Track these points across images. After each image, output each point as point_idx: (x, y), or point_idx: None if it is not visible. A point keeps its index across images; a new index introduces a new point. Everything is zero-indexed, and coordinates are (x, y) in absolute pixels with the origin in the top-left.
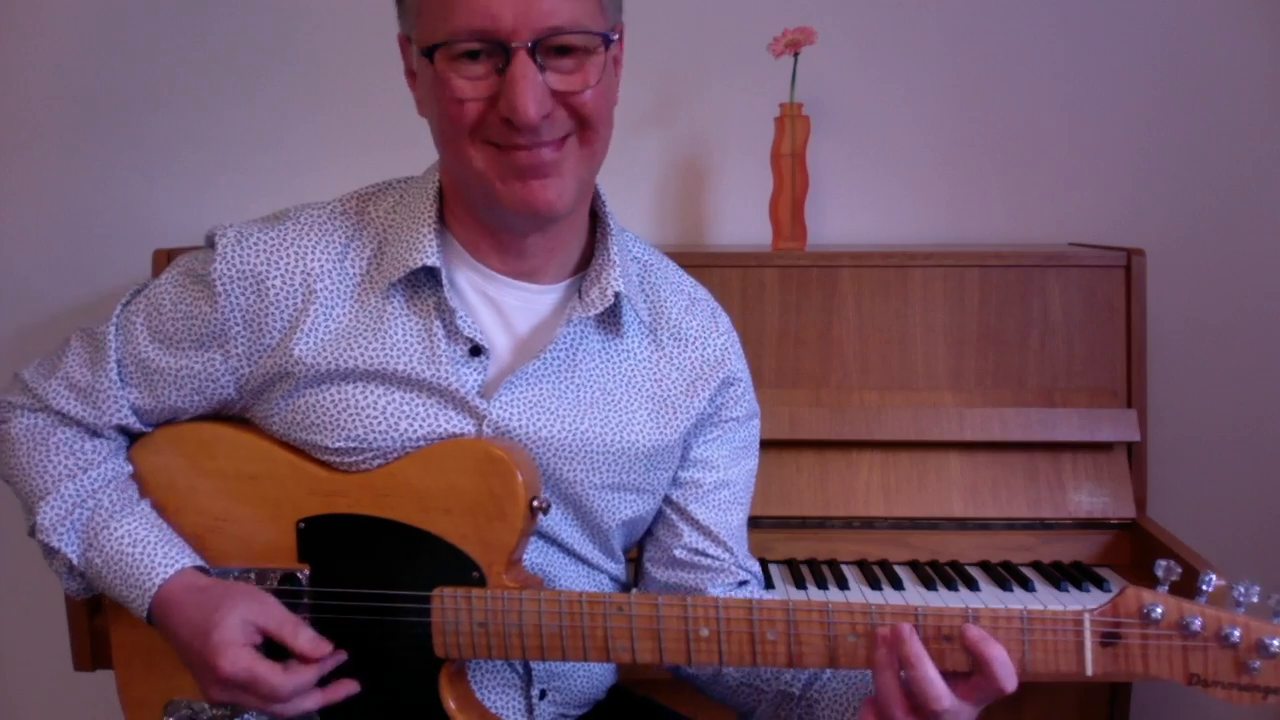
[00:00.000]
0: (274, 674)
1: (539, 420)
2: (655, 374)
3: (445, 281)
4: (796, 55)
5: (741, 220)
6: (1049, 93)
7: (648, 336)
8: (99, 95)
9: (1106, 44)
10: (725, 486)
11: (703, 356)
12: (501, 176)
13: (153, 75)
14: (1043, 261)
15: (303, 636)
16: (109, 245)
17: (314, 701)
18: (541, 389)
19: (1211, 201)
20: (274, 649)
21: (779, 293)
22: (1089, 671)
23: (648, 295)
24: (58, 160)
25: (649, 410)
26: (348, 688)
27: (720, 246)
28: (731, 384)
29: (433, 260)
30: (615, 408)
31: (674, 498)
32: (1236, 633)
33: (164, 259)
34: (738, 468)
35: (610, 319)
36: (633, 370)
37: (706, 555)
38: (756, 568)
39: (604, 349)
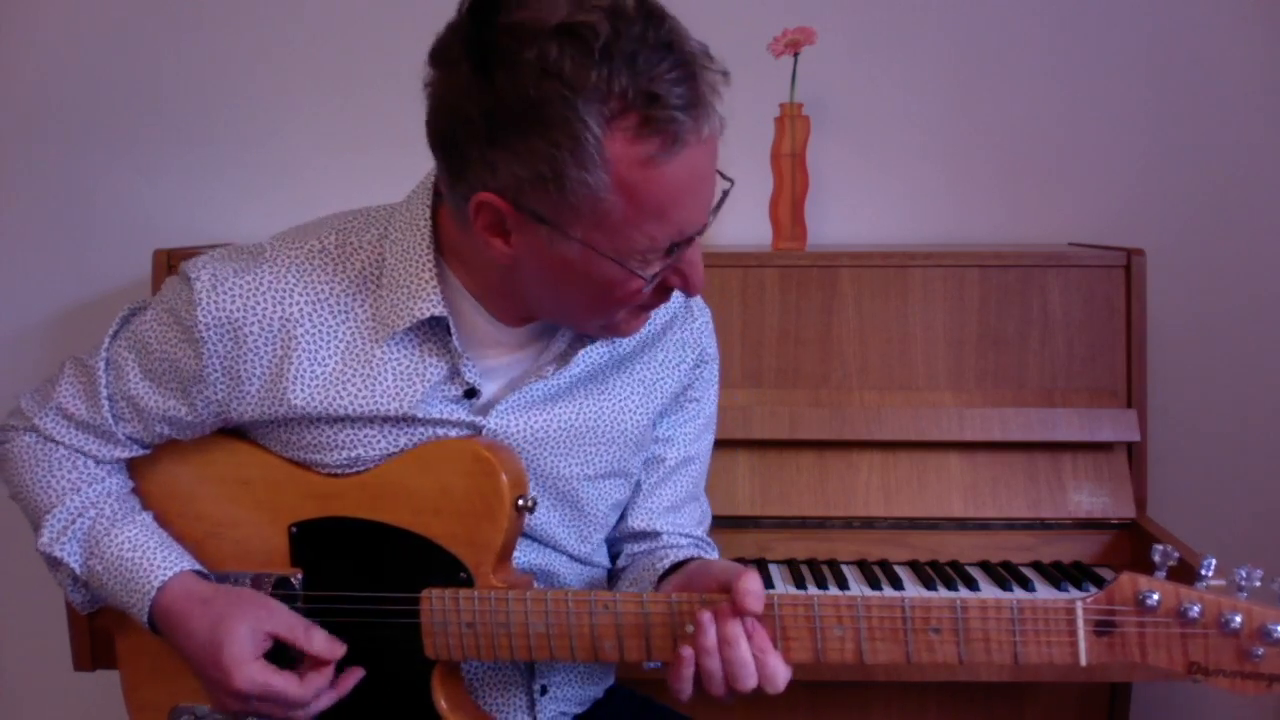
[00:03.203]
0: (291, 686)
1: (535, 421)
2: (639, 359)
3: (453, 330)
4: (796, 55)
5: (741, 220)
6: (1049, 92)
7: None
8: (99, 95)
9: (1106, 44)
10: (690, 463)
11: (680, 337)
12: (630, 321)
13: (153, 75)
14: (1043, 261)
15: (316, 640)
16: (109, 245)
17: (327, 700)
18: (536, 391)
19: (1211, 201)
20: (282, 650)
21: (779, 293)
22: (1083, 661)
23: None
24: (57, 160)
25: (639, 394)
26: (355, 675)
27: (720, 246)
28: (703, 363)
29: (440, 310)
30: (608, 397)
31: (640, 476)
32: (1238, 619)
33: (163, 259)
34: (699, 443)
35: None
36: (619, 361)
37: (646, 539)
38: (699, 534)
39: (592, 350)
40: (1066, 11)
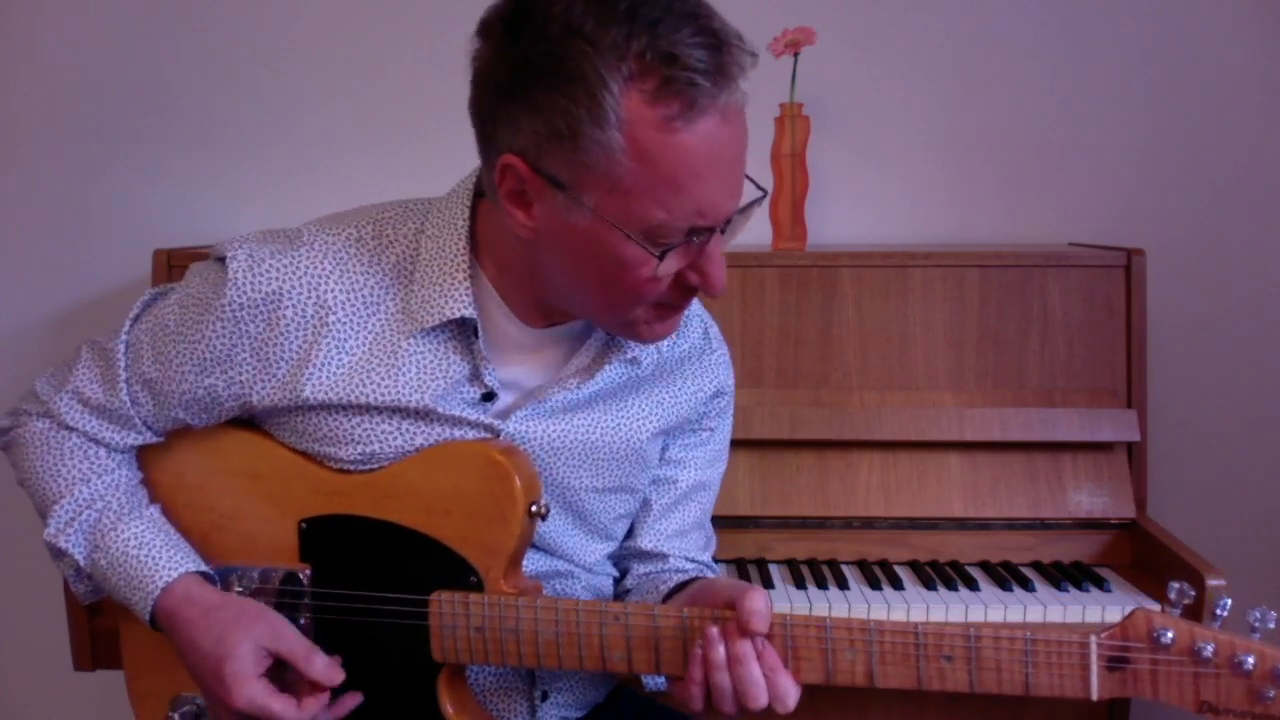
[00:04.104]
0: (288, 710)
1: (553, 430)
2: (657, 383)
3: (481, 334)
4: (796, 55)
5: None
6: (1049, 93)
7: (650, 349)
8: (99, 95)
9: (1106, 44)
10: (701, 489)
11: (699, 368)
12: (650, 323)
13: (153, 75)
14: (1043, 261)
15: (317, 664)
16: (109, 245)
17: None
18: (554, 403)
19: (1211, 201)
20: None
21: (779, 293)
22: (1094, 696)
23: None
24: (58, 160)
25: (655, 418)
26: (353, 700)
27: None
28: (720, 395)
29: (469, 312)
30: (625, 414)
31: (650, 496)
32: (1250, 660)
33: (163, 259)
34: (711, 470)
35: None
36: (638, 380)
37: (653, 560)
38: (704, 559)
39: (612, 369)
40: (1066, 12)
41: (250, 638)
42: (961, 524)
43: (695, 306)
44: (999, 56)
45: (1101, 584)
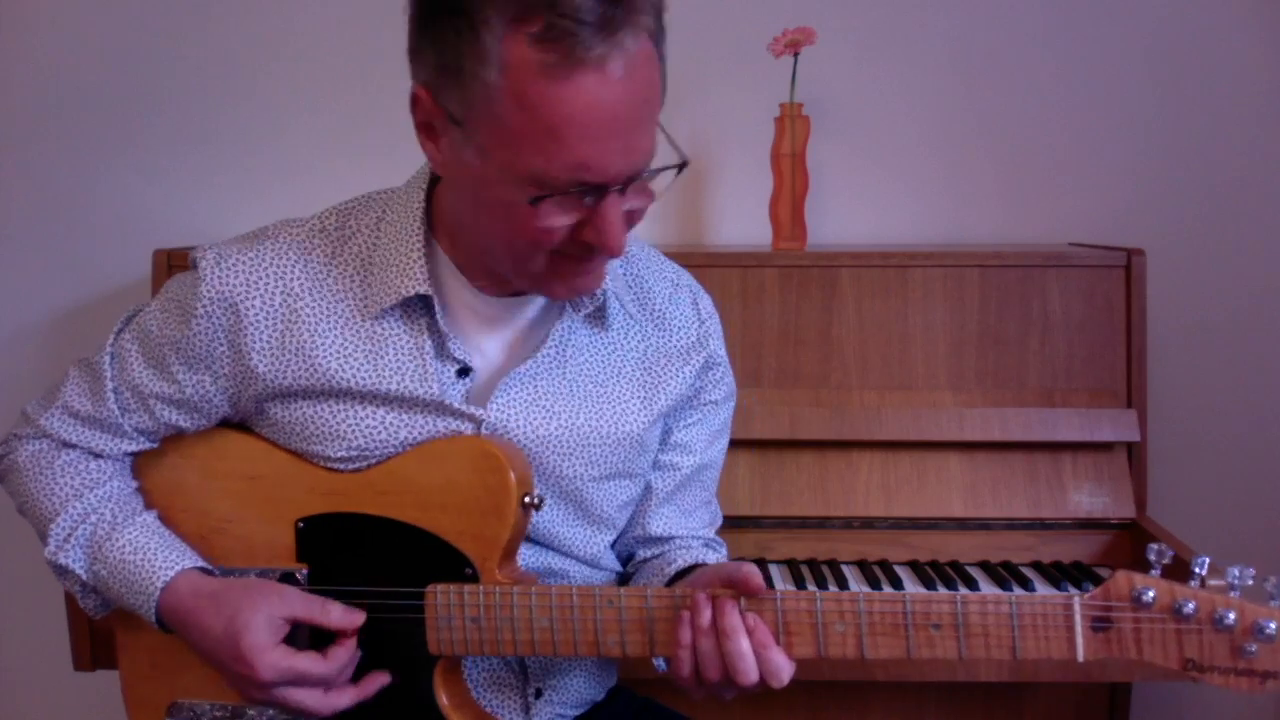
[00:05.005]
0: (316, 664)
1: (535, 419)
2: (643, 361)
3: (438, 308)
4: (796, 55)
5: (741, 220)
6: (1048, 93)
7: (633, 325)
8: (99, 95)
9: (1106, 43)
10: (705, 469)
11: (686, 340)
12: (559, 277)
13: (153, 75)
14: (1043, 261)
15: (333, 613)
16: (109, 245)
17: (350, 699)
18: (535, 388)
19: (1211, 201)
20: (296, 637)
21: (779, 293)
22: (1080, 656)
23: (631, 285)
24: (57, 160)
25: (640, 396)
26: (379, 680)
27: (720, 246)
28: (712, 367)
29: (424, 288)
30: (608, 399)
31: (652, 481)
32: (1231, 616)
33: (163, 259)
34: (713, 449)
35: (597, 314)
36: (621, 360)
37: (659, 544)
38: (708, 534)
39: (591, 342)
40: (1067, 12)
41: (261, 610)
42: (961, 524)
43: (684, 277)
44: (999, 56)
45: (1101, 584)
